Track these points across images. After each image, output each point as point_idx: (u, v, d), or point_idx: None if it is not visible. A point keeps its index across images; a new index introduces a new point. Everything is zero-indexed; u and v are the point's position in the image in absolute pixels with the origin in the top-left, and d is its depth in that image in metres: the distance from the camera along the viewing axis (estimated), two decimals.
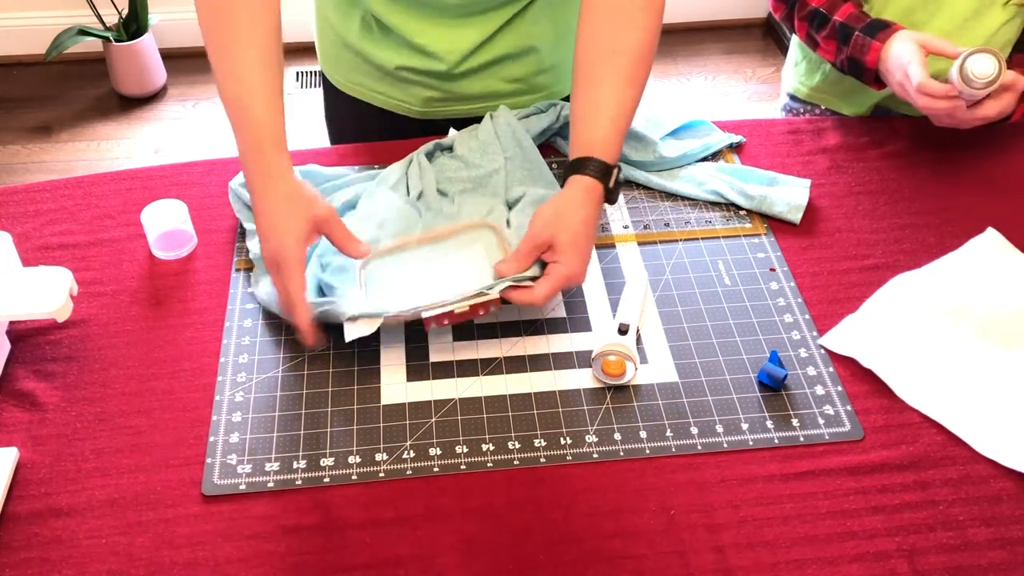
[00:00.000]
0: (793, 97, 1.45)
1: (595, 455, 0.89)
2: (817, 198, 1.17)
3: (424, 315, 0.93)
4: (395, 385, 0.94)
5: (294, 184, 0.93)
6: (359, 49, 1.20)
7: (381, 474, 0.87)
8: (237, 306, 1.03)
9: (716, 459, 0.89)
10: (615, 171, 0.98)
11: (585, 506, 0.85)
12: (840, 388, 0.95)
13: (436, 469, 0.87)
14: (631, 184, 1.19)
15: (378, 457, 0.88)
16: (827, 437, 0.90)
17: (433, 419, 0.91)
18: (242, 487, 0.86)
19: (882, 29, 1.19)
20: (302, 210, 0.90)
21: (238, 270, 1.07)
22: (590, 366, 0.96)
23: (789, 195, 1.14)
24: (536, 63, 1.23)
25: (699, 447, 0.89)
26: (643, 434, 0.90)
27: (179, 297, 1.04)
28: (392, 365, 0.96)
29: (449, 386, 0.94)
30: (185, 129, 2.68)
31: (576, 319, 1.01)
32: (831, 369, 0.97)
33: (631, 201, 1.17)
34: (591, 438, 0.90)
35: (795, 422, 0.92)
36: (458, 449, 0.89)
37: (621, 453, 0.89)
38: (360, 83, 1.27)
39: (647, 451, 0.89)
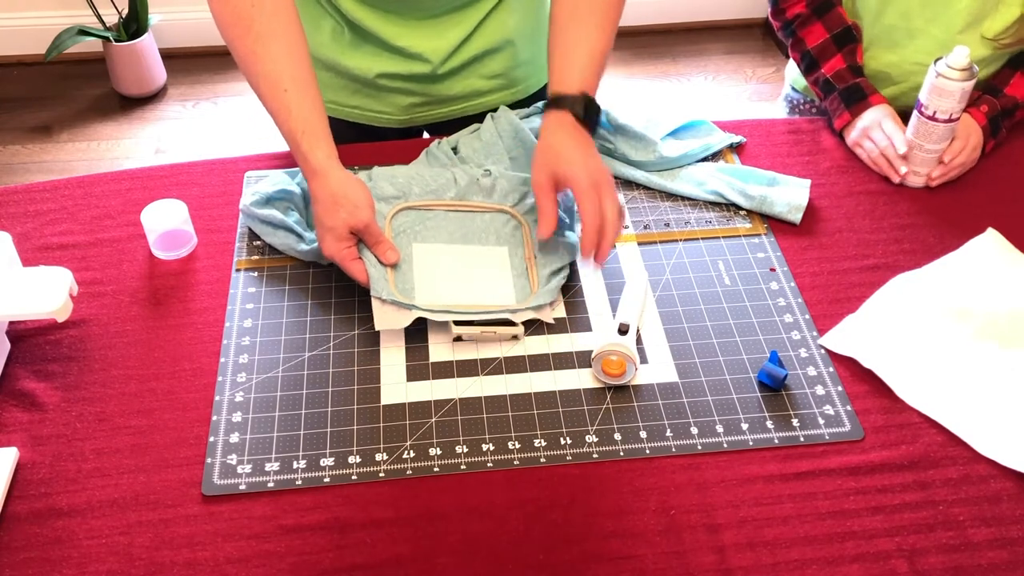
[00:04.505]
0: (795, 88, 1.47)
1: (595, 455, 0.89)
2: (817, 198, 1.17)
3: (455, 331, 0.96)
4: (395, 385, 0.94)
5: (337, 183, 0.97)
6: (332, 62, 1.18)
7: (381, 474, 0.87)
8: (237, 306, 1.03)
9: (716, 459, 0.89)
10: (583, 99, 1.02)
11: (585, 506, 0.85)
12: (840, 388, 0.95)
13: (436, 469, 0.87)
14: (631, 184, 1.19)
15: (378, 457, 0.88)
16: (827, 437, 0.90)
17: (433, 419, 0.91)
18: (242, 487, 0.86)
19: (858, 101, 1.23)
20: (340, 218, 0.97)
21: (238, 270, 1.07)
22: (590, 366, 0.96)
23: (789, 195, 1.14)
24: (513, 57, 1.23)
25: (699, 447, 0.89)
26: (643, 434, 0.90)
27: (179, 297, 1.04)
28: (392, 365, 0.96)
29: (449, 386, 0.94)
30: (185, 129, 2.68)
31: (576, 319, 1.01)
32: (831, 369, 0.97)
33: (631, 201, 1.17)
34: (591, 438, 0.90)
35: (795, 422, 0.92)
36: (458, 449, 0.89)
37: (621, 453, 0.89)
38: (333, 100, 1.24)
39: (647, 451, 0.89)
